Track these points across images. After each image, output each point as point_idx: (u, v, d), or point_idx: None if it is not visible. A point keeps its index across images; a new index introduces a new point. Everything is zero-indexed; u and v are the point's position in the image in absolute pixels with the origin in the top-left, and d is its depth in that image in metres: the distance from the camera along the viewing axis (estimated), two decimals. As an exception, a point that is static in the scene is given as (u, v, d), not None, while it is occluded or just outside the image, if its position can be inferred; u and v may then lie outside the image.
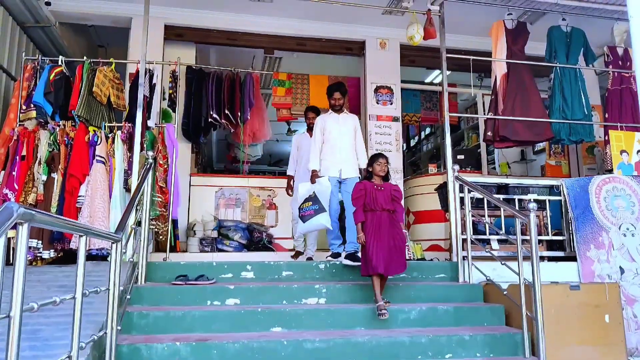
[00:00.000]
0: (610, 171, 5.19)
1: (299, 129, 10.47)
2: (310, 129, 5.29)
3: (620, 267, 4.56)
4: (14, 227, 1.46)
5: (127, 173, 4.67)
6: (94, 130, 4.76)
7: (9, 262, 1.49)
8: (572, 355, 3.67)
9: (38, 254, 4.43)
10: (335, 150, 4.80)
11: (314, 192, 4.59)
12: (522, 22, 5.75)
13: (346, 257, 4.45)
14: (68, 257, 4.60)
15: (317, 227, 4.61)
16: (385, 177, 4.05)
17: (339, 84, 5.00)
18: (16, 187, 4.52)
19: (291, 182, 5.43)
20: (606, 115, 6.01)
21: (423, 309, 3.87)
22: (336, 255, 4.67)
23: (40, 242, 4.43)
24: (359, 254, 4.20)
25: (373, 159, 4.07)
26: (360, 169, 4.82)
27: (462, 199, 4.64)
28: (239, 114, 6.39)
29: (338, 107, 4.88)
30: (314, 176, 4.71)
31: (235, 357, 3.25)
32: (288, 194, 5.46)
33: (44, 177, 4.59)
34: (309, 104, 6.95)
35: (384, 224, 3.87)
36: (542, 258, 4.60)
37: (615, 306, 3.86)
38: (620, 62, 5.96)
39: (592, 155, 7.21)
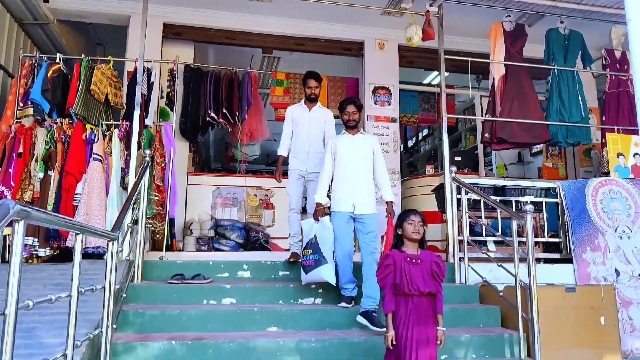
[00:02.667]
0: (607, 174, 5.21)
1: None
2: (309, 100, 4.69)
3: (615, 270, 4.57)
4: (10, 224, 1.46)
5: (124, 171, 4.67)
6: (92, 128, 4.75)
7: (4, 259, 1.49)
8: (568, 357, 3.68)
9: (34, 252, 4.42)
10: (347, 178, 4.04)
11: (314, 236, 3.96)
12: (520, 24, 5.76)
13: (361, 315, 3.66)
14: (64, 255, 4.59)
15: (319, 280, 3.90)
16: (421, 243, 2.99)
17: (353, 98, 4.54)
18: (12, 184, 4.51)
19: (280, 164, 4.76)
20: (603, 118, 6.02)
21: (419, 310, 3.86)
22: (350, 299, 3.89)
23: (36, 239, 4.42)
24: (376, 314, 3.61)
25: (403, 217, 3.01)
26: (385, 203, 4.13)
27: (459, 200, 4.65)
28: (237, 113, 6.38)
29: (353, 123, 4.16)
30: (318, 212, 4.03)
31: (231, 357, 3.24)
32: (278, 179, 4.76)
33: (41, 175, 4.58)
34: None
35: (424, 316, 2.80)
36: (538, 260, 4.62)
37: (610, 308, 3.87)
38: (617, 65, 5.98)
39: (588, 157, 7.23)
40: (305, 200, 4.74)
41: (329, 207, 4.16)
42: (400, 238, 3.00)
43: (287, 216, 4.65)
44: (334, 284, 3.86)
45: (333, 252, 3.91)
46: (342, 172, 4.08)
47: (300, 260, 4.11)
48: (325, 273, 3.81)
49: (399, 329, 2.79)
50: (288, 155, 4.75)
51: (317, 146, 4.64)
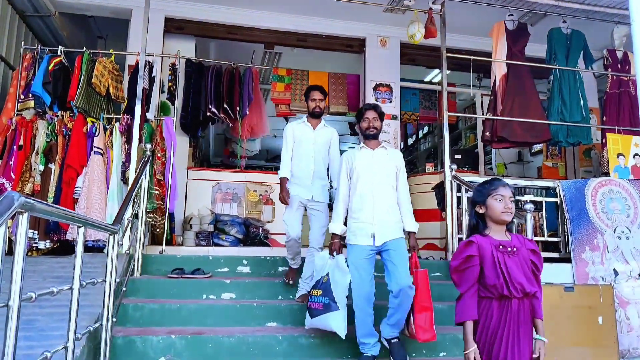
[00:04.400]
0: (607, 174, 5.22)
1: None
2: (313, 115, 4.03)
3: (614, 270, 4.58)
4: (13, 216, 1.46)
5: (125, 165, 4.67)
6: (92, 122, 4.75)
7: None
8: (566, 356, 3.69)
9: (34, 244, 4.43)
10: (365, 203, 3.36)
11: (327, 274, 3.34)
12: (522, 23, 5.76)
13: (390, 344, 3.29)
14: (64, 248, 4.60)
15: (326, 329, 3.27)
16: (509, 225, 2.31)
17: (375, 105, 3.66)
18: (13, 176, 4.51)
19: (287, 186, 3.99)
20: (604, 118, 6.03)
21: (418, 307, 3.87)
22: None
23: (36, 232, 4.42)
24: (397, 341, 3.26)
25: (486, 189, 2.27)
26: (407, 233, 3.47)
27: (459, 199, 4.66)
28: (238, 108, 6.37)
29: (373, 131, 3.48)
30: (334, 245, 3.38)
31: (231, 351, 3.26)
32: (283, 201, 3.98)
33: (41, 167, 4.58)
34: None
35: (526, 326, 2.16)
36: (537, 259, 4.62)
37: (608, 308, 3.89)
38: (619, 66, 5.98)
39: (588, 157, 7.23)
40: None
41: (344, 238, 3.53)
42: (483, 219, 2.27)
43: (285, 244, 4.03)
44: (344, 337, 3.24)
45: (347, 297, 3.29)
46: (359, 195, 3.39)
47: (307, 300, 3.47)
48: (335, 322, 3.20)
49: (488, 345, 2.12)
50: None
51: (323, 171, 4.05)
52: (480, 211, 2.28)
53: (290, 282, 4.01)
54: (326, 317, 3.23)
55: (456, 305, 2.19)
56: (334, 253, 3.38)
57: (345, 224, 3.49)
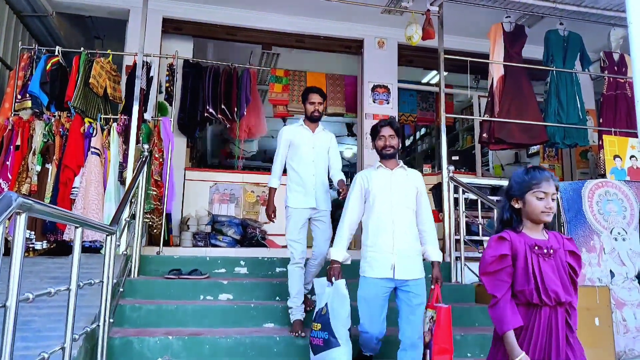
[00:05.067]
0: (603, 176, 5.23)
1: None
2: (311, 119, 3.76)
3: (610, 271, 4.59)
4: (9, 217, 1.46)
5: (122, 166, 4.66)
6: (90, 122, 4.74)
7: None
8: (562, 357, 3.70)
9: (30, 245, 4.41)
10: (385, 229, 3.03)
11: (325, 305, 3.03)
12: (520, 25, 5.78)
13: None
14: (60, 249, 4.58)
15: None
16: (548, 224, 1.97)
17: (391, 121, 3.28)
18: (9, 177, 4.49)
19: (274, 198, 3.75)
20: (600, 120, 6.05)
21: (415, 308, 3.87)
22: None
23: (32, 232, 4.41)
24: None
25: (526, 182, 1.95)
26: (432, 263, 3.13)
27: (456, 200, 4.67)
28: (235, 109, 6.37)
29: (390, 151, 3.15)
30: (333, 271, 3.05)
31: (228, 352, 3.25)
32: (270, 218, 3.76)
33: (38, 168, 4.57)
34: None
35: (555, 339, 1.87)
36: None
37: (605, 309, 3.90)
38: (615, 68, 6.00)
39: (585, 159, 7.26)
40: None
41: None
42: (517, 213, 1.98)
43: (287, 270, 3.64)
44: None
45: (349, 330, 3.00)
46: (376, 219, 3.07)
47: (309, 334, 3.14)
48: (338, 359, 2.91)
49: None
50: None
51: (325, 177, 3.80)
52: (516, 206, 1.97)
53: (302, 334, 3.41)
54: (328, 354, 2.94)
55: (491, 312, 1.93)
56: (333, 279, 3.04)
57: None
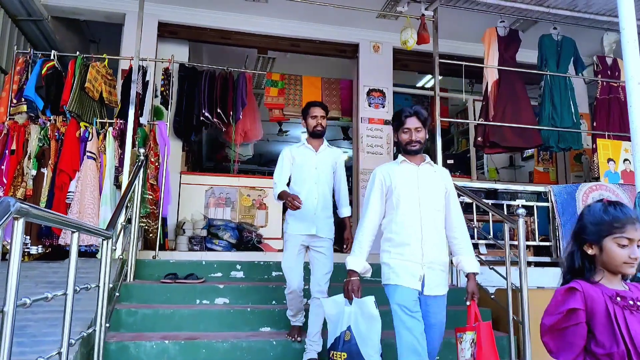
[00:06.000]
0: (597, 179, 5.27)
1: (290, 130, 10.52)
2: (314, 135, 3.49)
3: (605, 274, 4.62)
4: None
5: (118, 170, 4.66)
6: (86, 126, 4.74)
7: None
8: (557, 360, 3.71)
9: (26, 250, 4.40)
10: (412, 233, 2.62)
11: (348, 328, 2.53)
12: (514, 29, 5.82)
13: None
14: (55, 253, 4.57)
15: None
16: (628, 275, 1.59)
17: (417, 110, 2.75)
18: (5, 181, 4.48)
19: (286, 193, 3.38)
20: (594, 124, 6.09)
21: (411, 312, 3.88)
22: None
23: (27, 237, 4.40)
24: None
25: (603, 222, 1.56)
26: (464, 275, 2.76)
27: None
28: (231, 113, 6.38)
29: (416, 146, 2.71)
30: (352, 285, 2.59)
31: (224, 357, 3.26)
32: (294, 206, 3.24)
33: (34, 172, 4.56)
34: (301, 105, 6.96)
35: None
36: (528, 263, 4.66)
37: (599, 312, 3.92)
38: (609, 72, 6.05)
39: (579, 162, 7.30)
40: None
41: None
42: (591, 260, 1.59)
43: (285, 295, 3.45)
44: None
45: (381, 356, 2.52)
46: (401, 223, 2.64)
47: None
48: None
49: None
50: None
51: (328, 200, 3.46)
52: (590, 252, 1.58)
53: (298, 339, 3.39)
54: None
55: None
56: (353, 297, 2.56)
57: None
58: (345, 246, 3.44)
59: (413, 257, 2.59)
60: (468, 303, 2.68)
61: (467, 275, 2.71)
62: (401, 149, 2.80)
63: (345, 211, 3.56)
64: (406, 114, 2.73)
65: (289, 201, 3.22)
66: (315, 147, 3.50)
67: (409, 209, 2.65)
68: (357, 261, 2.64)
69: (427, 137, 2.80)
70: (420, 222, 2.63)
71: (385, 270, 2.65)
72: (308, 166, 3.44)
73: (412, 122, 2.71)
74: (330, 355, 2.57)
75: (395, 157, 2.81)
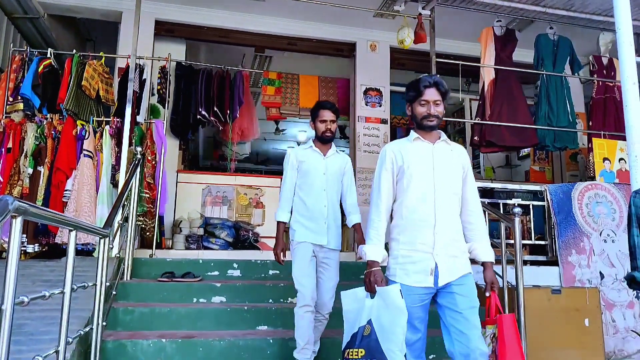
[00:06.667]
0: (593, 178, 5.30)
1: (286, 129, 10.52)
2: (322, 140, 3.27)
3: (600, 273, 4.65)
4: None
5: (115, 168, 4.65)
6: (82, 124, 4.73)
7: None
8: (553, 358, 3.74)
9: (22, 248, 4.39)
10: (424, 221, 2.35)
11: (369, 323, 2.27)
12: (510, 29, 5.83)
13: None
14: (52, 251, 4.56)
15: None
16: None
17: (437, 81, 2.46)
18: (1, 179, 4.47)
19: (282, 234, 3.24)
20: (590, 123, 6.12)
21: (407, 310, 3.89)
22: None
23: (24, 235, 4.39)
24: None
25: None
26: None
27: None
28: (228, 111, 6.38)
29: (433, 121, 2.43)
30: (375, 276, 2.33)
31: (221, 355, 3.26)
32: (279, 259, 3.23)
33: (30, 170, 4.55)
34: (298, 104, 6.98)
35: None
36: (524, 262, 4.68)
37: (595, 310, 3.95)
38: (604, 72, 6.07)
39: (575, 162, 7.33)
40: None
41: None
42: None
43: (294, 314, 3.14)
44: None
45: (405, 356, 2.20)
46: (413, 207, 2.38)
47: None
48: None
49: None
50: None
51: (337, 209, 3.28)
52: None
53: None
54: None
55: None
56: (376, 288, 2.31)
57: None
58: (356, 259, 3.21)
59: (424, 245, 2.33)
60: (487, 294, 2.45)
61: (483, 264, 2.47)
62: (415, 123, 2.51)
63: (355, 218, 3.31)
64: (425, 84, 2.42)
65: (275, 252, 3.20)
66: (323, 151, 3.28)
67: (422, 192, 2.37)
68: (375, 250, 2.38)
69: (445, 112, 2.50)
70: (433, 206, 2.35)
71: (391, 264, 2.40)
72: (316, 171, 3.21)
73: (431, 94, 2.42)
74: (345, 354, 2.29)
75: (407, 133, 2.56)
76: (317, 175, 3.21)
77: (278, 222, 3.23)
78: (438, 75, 2.47)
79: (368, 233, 2.44)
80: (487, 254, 2.47)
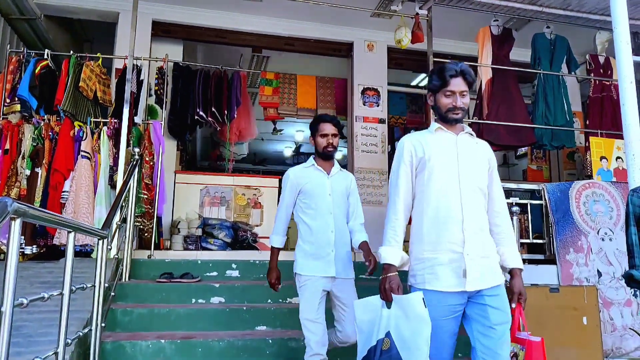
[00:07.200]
0: (590, 177, 5.31)
1: (284, 129, 10.52)
2: (324, 156, 2.99)
3: (598, 271, 4.66)
4: None
5: (113, 169, 4.65)
6: (80, 126, 4.72)
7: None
8: (551, 357, 3.74)
9: (20, 250, 4.38)
10: (451, 218, 2.11)
11: (387, 335, 2.05)
12: (507, 28, 5.84)
13: None
14: (50, 253, 4.56)
15: None
16: None
17: (464, 70, 2.26)
18: (-2, 181, 4.46)
19: (277, 261, 2.99)
20: (587, 122, 6.13)
21: (406, 310, 3.89)
22: None
23: (22, 237, 4.38)
24: None
25: None
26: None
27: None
28: (226, 112, 6.37)
29: (457, 115, 2.23)
30: (391, 282, 2.09)
31: (220, 355, 3.26)
32: (275, 288, 2.98)
33: (28, 172, 4.54)
34: (296, 104, 6.98)
35: None
36: (523, 260, 4.68)
37: (593, 309, 3.96)
38: (601, 71, 6.09)
39: (572, 160, 7.35)
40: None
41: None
42: None
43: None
44: None
45: None
46: (437, 203, 2.14)
47: None
48: None
49: None
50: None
51: (345, 232, 2.96)
52: None
53: None
54: None
55: None
56: (392, 296, 2.08)
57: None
58: (368, 265, 2.80)
59: (452, 245, 2.08)
60: (513, 305, 2.16)
61: (512, 272, 2.22)
62: (438, 115, 2.29)
63: (362, 236, 2.96)
64: (451, 72, 2.20)
65: (270, 282, 2.93)
66: (326, 169, 2.99)
67: (447, 186, 2.14)
68: (393, 252, 2.14)
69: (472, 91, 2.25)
70: (459, 200, 2.11)
71: (417, 269, 2.13)
72: (320, 193, 2.91)
73: (458, 84, 2.21)
74: None
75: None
76: (323, 196, 2.91)
77: (272, 248, 2.97)
78: (465, 63, 2.28)
79: (385, 233, 2.19)
80: (516, 260, 2.23)
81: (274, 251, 2.97)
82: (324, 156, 2.99)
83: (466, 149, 2.23)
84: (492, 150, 2.38)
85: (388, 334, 2.04)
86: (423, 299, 1.98)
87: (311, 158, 3.06)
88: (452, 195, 2.12)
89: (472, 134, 2.30)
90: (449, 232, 2.09)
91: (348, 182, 3.06)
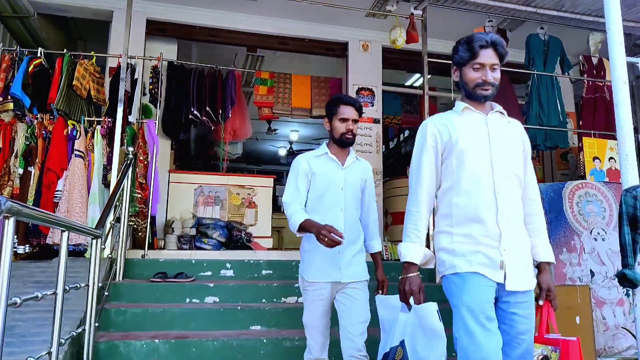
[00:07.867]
0: (583, 177, 5.34)
1: (278, 129, 10.51)
2: (340, 143, 2.65)
3: (590, 271, 4.69)
4: None
5: (106, 168, 4.63)
6: (73, 124, 4.70)
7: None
8: (544, 356, 3.77)
9: (13, 249, 4.35)
10: (484, 208, 1.90)
11: (401, 343, 1.96)
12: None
13: None
14: (43, 252, 4.53)
15: None
16: None
17: (496, 40, 1.99)
18: (-9, 180, 4.43)
19: (314, 223, 2.43)
20: (580, 123, 6.17)
21: (401, 309, 3.90)
22: None
23: (15, 236, 4.35)
24: None
25: None
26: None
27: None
28: (220, 111, 6.36)
29: (489, 90, 1.99)
30: (411, 285, 1.90)
31: (215, 355, 3.25)
32: (331, 242, 2.27)
33: (21, 171, 4.51)
34: (291, 104, 6.97)
35: None
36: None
37: (585, 308, 3.98)
38: (594, 72, 6.13)
39: (565, 161, 7.39)
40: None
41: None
42: None
43: None
44: None
45: None
46: (467, 189, 1.92)
47: None
48: None
49: None
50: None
51: (357, 230, 2.66)
52: None
53: None
54: None
55: None
56: (412, 303, 1.89)
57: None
58: (380, 290, 2.60)
59: (486, 239, 1.86)
60: (540, 302, 1.99)
61: (540, 266, 2.04)
62: (464, 91, 2.05)
63: (375, 245, 2.72)
64: (482, 43, 1.94)
65: (322, 235, 2.26)
66: (341, 160, 2.65)
67: (478, 172, 1.91)
68: (414, 248, 1.91)
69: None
70: (493, 188, 1.89)
71: (445, 258, 1.91)
72: (332, 185, 2.59)
73: (488, 57, 1.95)
74: None
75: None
76: (334, 190, 2.59)
77: (301, 224, 2.40)
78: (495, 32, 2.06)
79: (405, 228, 1.97)
80: (549, 254, 2.03)
81: (305, 223, 2.39)
82: (341, 143, 2.64)
83: (498, 129, 1.99)
84: (524, 131, 2.15)
85: (402, 343, 1.90)
86: (438, 310, 1.85)
87: (324, 145, 2.71)
88: (485, 183, 1.90)
89: (502, 113, 2.06)
90: (482, 226, 1.87)
91: (364, 174, 2.72)
